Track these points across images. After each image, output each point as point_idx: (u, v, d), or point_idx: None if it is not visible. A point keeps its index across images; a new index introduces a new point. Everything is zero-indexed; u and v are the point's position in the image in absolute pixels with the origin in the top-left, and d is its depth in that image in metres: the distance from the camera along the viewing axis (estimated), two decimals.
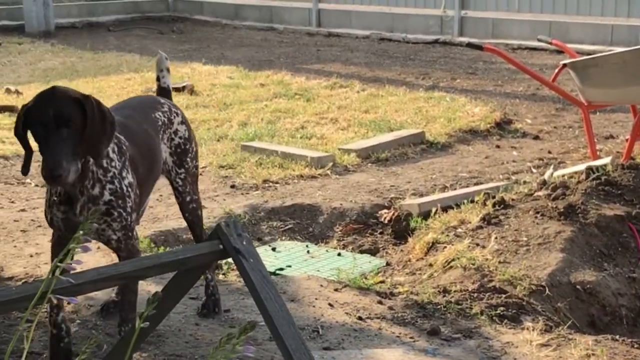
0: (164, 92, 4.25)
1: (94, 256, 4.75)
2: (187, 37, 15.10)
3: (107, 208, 3.40)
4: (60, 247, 3.57)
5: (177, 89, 9.60)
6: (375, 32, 14.65)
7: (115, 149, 3.47)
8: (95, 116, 3.25)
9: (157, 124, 3.89)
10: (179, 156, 4.03)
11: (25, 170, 3.35)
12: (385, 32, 14.56)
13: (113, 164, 3.44)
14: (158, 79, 4.27)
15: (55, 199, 3.41)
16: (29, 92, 9.59)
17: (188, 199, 4.12)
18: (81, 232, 2.15)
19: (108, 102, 9.43)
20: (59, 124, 3.16)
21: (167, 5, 18.03)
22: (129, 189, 3.49)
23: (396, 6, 14.81)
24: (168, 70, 4.28)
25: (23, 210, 5.74)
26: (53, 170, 3.10)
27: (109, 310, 4.14)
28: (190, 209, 4.15)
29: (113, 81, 10.32)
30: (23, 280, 4.58)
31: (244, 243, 2.54)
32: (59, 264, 2.09)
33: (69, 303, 3.92)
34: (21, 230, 5.34)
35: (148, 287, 4.44)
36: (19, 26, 15.51)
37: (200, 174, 6.67)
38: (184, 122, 4.07)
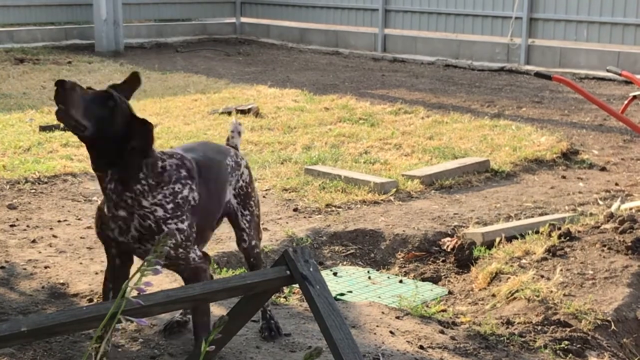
0: None
1: (157, 277, 4.79)
2: (253, 59, 15.24)
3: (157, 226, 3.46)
4: (114, 277, 3.65)
5: (243, 111, 9.69)
6: (440, 58, 14.64)
7: (183, 171, 3.53)
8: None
9: (227, 170, 3.95)
10: (243, 199, 4.05)
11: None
12: (450, 59, 14.54)
13: (167, 180, 3.51)
14: (228, 140, 4.30)
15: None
16: None
17: (253, 243, 4.12)
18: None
19: (174, 122, 9.53)
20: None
21: (235, 27, 18.25)
22: (184, 208, 3.55)
23: (462, 33, 14.80)
24: (240, 134, 4.31)
25: (89, 227, 5.82)
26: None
27: (172, 330, 4.17)
28: (255, 253, 4.14)
29: (180, 102, 10.44)
30: (88, 298, 4.64)
31: (311, 270, 2.54)
32: (130, 285, 2.11)
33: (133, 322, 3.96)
34: (87, 247, 5.41)
35: (211, 309, 4.46)
36: (89, 45, 15.83)
37: (264, 197, 6.73)
38: (247, 167, 4.13)
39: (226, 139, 4.33)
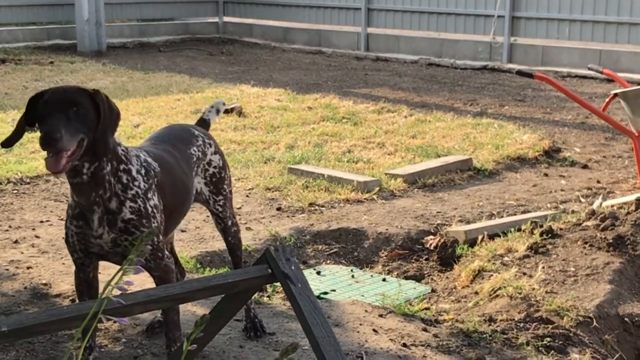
0: (203, 122, 4.32)
1: (139, 275, 4.78)
2: (236, 59, 15.23)
3: (126, 227, 3.39)
4: (84, 285, 3.60)
5: (226, 111, 9.67)
6: (423, 57, 14.66)
7: (142, 171, 3.49)
8: (106, 109, 3.30)
9: (191, 160, 3.93)
10: (215, 185, 4.08)
11: (8, 143, 3.34)
12: (433, 57, 14.57)
13: (136, 183, 3.44)
14: (204, 113, 4.34)
15: (70, 212, 3.44)
16: None
17: (229, 223, 4.18)
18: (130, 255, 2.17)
19: (157, 122, 9.52)
20: (66, 106, 3.20)
21: (217, 27, 18.23)
22: (154, 211, 3.48)
23: (445, 31, 14.83)
24: (218, 112, 4.36)
25: None
26: (50, 133, 3.09)
27: (154, 330, 4.17)
28: (233, 232, 4.21)
29: (162, 101, 10.42)
30: (71, 298, 4.63)
31: (293, 268, 2.54)
32: (110, 284, 2.11)
33: (115, 322, 3.96)
34: None
35: (193, 308, 4.47)
36: (72, 45, 15.78)
37: (247, 196, 6.73)
38: (217, 151, 4.11)
39: (202, 112, 4.35)
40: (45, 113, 3.20)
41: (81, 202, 3.36)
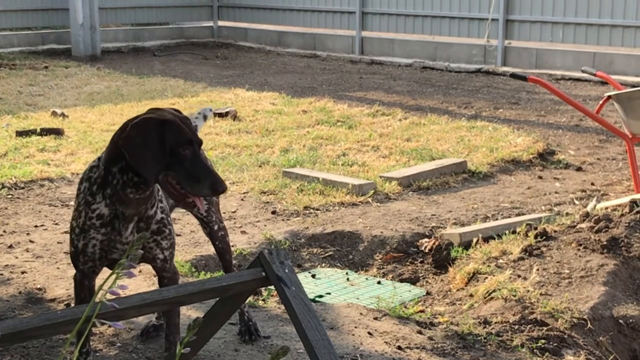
0: None
1: (134, 280, 4.78)
2: (231, 63, 15.23)
3: (159, 227, 3.43)
4: (86, 292, 3.57)
5: (221, 115, 9.69)
6: (418, 60, 14.68)
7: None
8: None
9: None
10: None
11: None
12: (428, 61, 14.59)
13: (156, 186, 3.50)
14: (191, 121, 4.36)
15: (96, 222, 3.37)
16: (75, 115, 9.73)
17: (216, 227, 4.17)
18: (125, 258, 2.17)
19: None
20: (199, 145, 3.33)
21: (212, 31, 18.24)
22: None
23: (439, 35, 14.85)
24: (205, 118, 4.37)
25: (67, 232, 5.80)
26: (223, 185, 3.23)
27: (149, 334, 4.17)
28: (220, 236, 4.19)
29: (157, 105, 10.41)
30: (65, 302, 4.63)
31: (287, 271, 2.55)
32: (103, 288, 2.11)
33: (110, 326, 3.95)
34: (64, 252, 5.40)
35: (188, 312, 4.47)
36: (66, 50, 15.79)
37: (242, 200, 6.73)
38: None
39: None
40: (189, 156, 3.25)
41: (124, 212, 3.35)
